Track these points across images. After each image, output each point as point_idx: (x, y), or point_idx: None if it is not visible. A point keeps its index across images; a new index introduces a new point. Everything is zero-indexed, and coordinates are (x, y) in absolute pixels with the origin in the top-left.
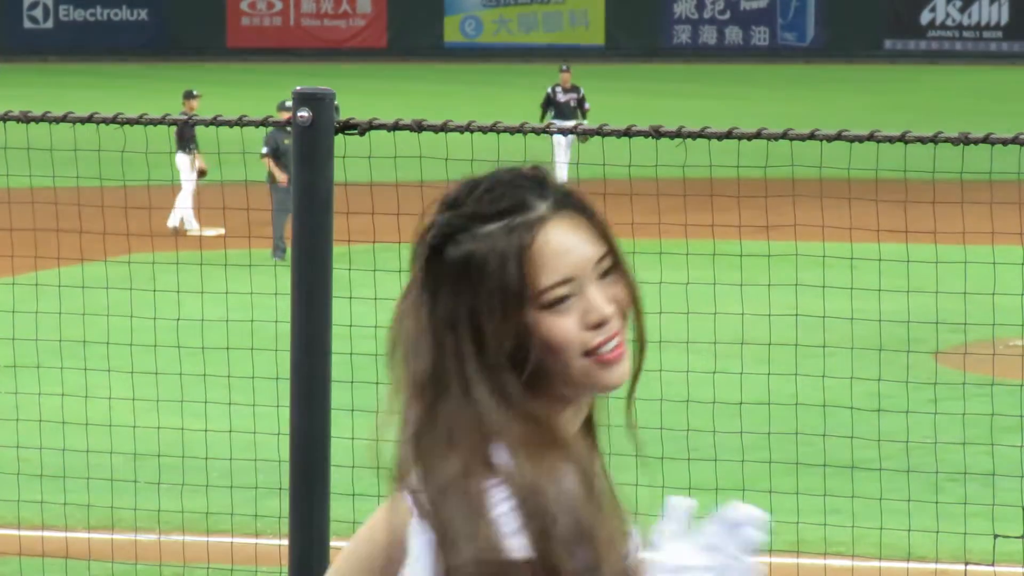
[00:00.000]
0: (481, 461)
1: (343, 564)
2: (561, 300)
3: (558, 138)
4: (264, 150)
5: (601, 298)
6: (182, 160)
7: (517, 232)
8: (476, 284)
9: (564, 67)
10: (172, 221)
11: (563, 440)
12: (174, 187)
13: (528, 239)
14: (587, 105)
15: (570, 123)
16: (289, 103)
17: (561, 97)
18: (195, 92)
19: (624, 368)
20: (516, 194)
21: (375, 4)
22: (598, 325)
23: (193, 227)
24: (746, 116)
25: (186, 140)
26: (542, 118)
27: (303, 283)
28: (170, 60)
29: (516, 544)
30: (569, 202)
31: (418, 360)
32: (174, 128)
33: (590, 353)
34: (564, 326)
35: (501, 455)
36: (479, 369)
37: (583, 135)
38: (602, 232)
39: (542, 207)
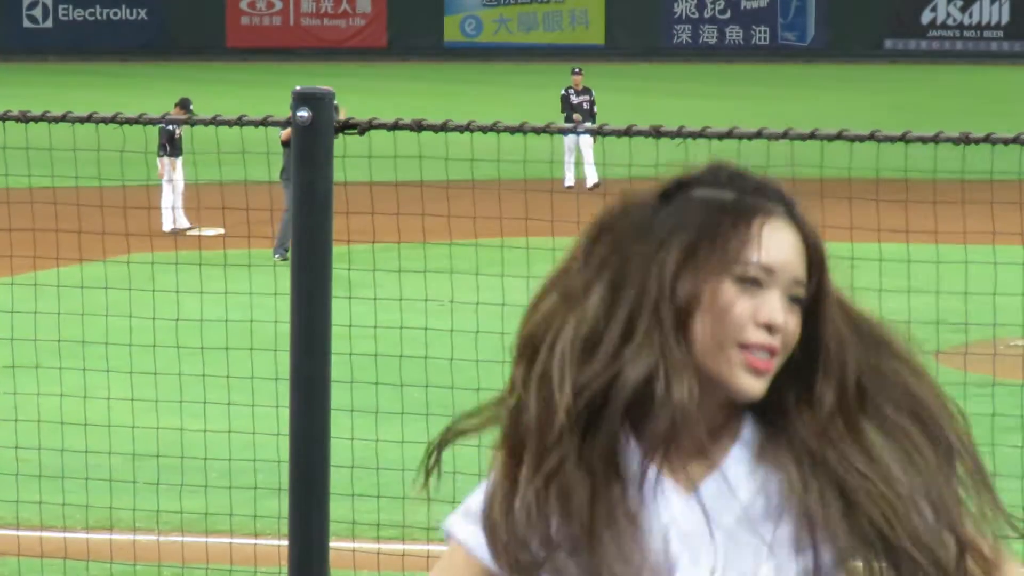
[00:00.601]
0: None
1: None
2: (752, 282)
3: (572, 139)
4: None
5: (781, 308)
6: (168, 163)
7: (750, 207)
8: (698, 226)
9: (576, 70)
10: (166, 225)
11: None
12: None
13: (758, 215)
14: (595, 108)
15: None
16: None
17: (575, 99)
18: (190, 103)
19: (763, 385)
20: (760, 183)
21: (375, 4)
22: (767, 327)
23: (184, 225)
24: (746, 116)
25: (176, 144)
26: (566, 121)
27: (303, 283)
28: (170, 60)
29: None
30: (800, 221)
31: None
32: (161, 129)
33: (745, 347)
34: (741, 304)
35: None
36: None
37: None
38: (815, 264)
39: (779, 205)
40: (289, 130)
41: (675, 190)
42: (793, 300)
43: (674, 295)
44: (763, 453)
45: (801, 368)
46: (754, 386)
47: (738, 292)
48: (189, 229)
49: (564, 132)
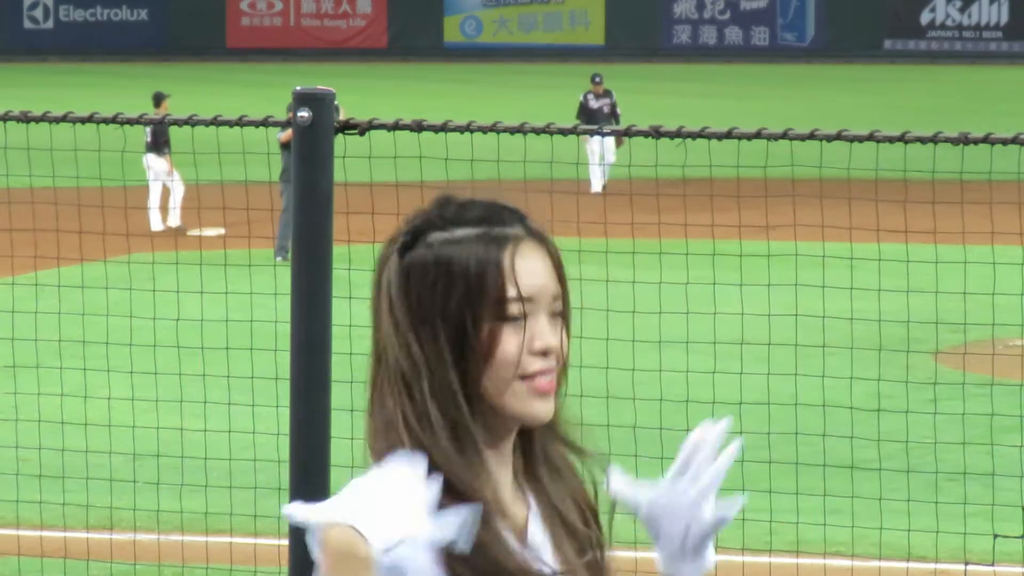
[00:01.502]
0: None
1: None
2: (515, 318)
3: (596, 145)
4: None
5: (550, 331)
6: (157, 161)
7: (494, 241)
8: (445, 281)
9: (596, 78)
10: (172, 221)
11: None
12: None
13: (505, 247)
14: (619, 111)
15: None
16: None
17: (594, 104)
18: (165, 93)
19: (551, 405)
20: (492, 210)
21: (375, 4)
22: (542, 353)
23: (159, 227)
24: (746, 116)
25: (161, 142)
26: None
27: (303, 283)
28: (170, 60)
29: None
30: (540, 235)
31: (387, 354)
32: (146, 129)
33: (526, 378)
34: (511, 342)
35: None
36: (432, 369)
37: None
38: (561, 277)
39: (518, 228)
40: (289, 132)
41: (412, 241)
42: (554, 318)
43: (454, 354)
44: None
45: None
46: (545, 409)
47: (506, 331)
48: (159, 228)
49: (564, 133)
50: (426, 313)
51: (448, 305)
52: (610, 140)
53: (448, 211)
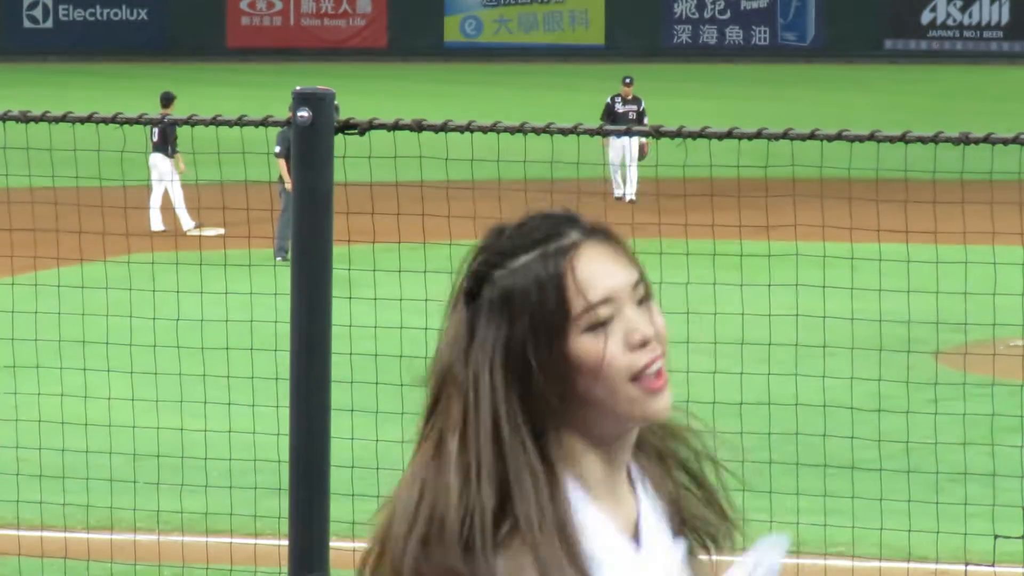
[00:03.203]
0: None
1: None
2: (602, 323)
3: (618, 152)
4: (277, 149)
5: (642, 320)
6: (163, 161)
7: (553, 258)
8: (515, 317)
9: (627, 80)
10: (185, 224)
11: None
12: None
13: (565, 263)
14: (646, 120)
15: (632, 138)
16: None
17: (620, 108)
18: (173, 95)
19: (668, 398)
20: (546, 225)
21: (375, 4)
22: (642, 344)
23: (159, 227)
24: (746, 116)
25: (168, 142)
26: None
27: (303, 283)
28: (170, 60)
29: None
30: (599, 231)
31: (458, 397)
32: (151, 128)
33: (637, 378)
34: (608, 348)
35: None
36: (509, 412)
37: (642, 154)
38: (633, 260)
39: (574, 234)
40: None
41: (478, 287)
42: (641, 303)
43: (539, 389)
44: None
45: None
46: (664, 404)
47: (597, 339)
48: (196, 227)
49: (564, 133)
50: (509, 351)
51: (529, 335)
52: (633, 149)
53: (502, 244)
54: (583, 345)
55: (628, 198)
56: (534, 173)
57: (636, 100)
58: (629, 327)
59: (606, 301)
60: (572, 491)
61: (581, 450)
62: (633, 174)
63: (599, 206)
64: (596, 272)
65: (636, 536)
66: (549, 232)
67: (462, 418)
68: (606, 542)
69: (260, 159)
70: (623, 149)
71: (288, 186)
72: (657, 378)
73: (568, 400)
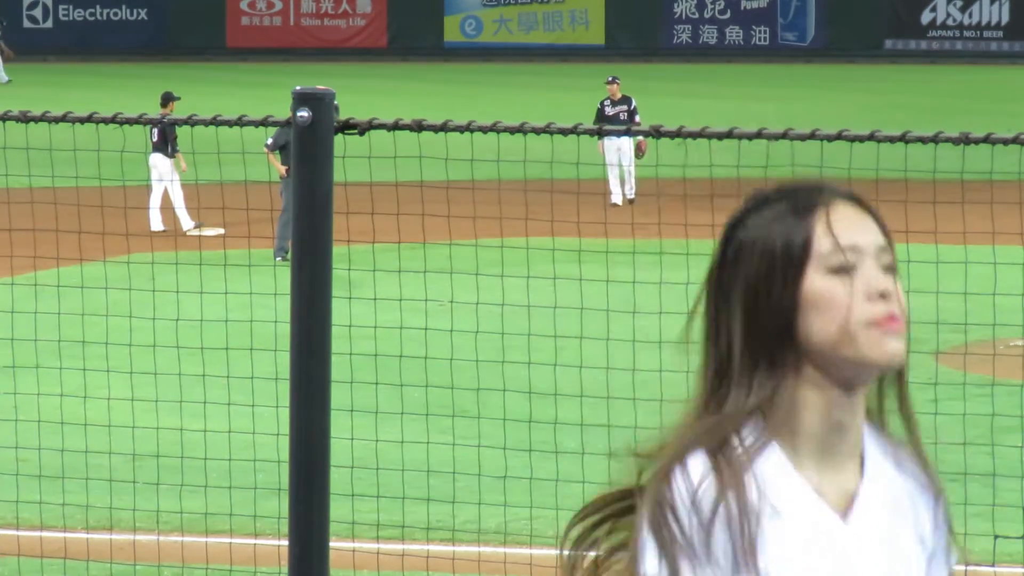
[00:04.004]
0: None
1: None
2: (844, 269)
3: (613, 155)
4: (269, 141)
5: (884, 278)
6: (163, 161)
7: (805, 207)
8: (761, 257)
9: (610, 79)
10: (185, 224)
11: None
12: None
13: (817, 210)
14: (638, 118)
15: (624, 138)
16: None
17: (610, 110)
18: (174, 96)
19: (903, 345)
20: (806, 184)
21: (375, 4)
22: (881, 296)
23: (159, 227)
24: (746, 116)
25: (168, 142)
26: (599, 138)
27: (303, 283)
28: (170, 60)
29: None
30: (854, 197)
31: (704, 339)
32: (150, 128)
33: (871, 324)
34: (848, 291)
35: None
36: (745, 346)
37: (640, 152)
38: (885, 232)
39: (829, 194)
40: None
41: (731, 231)
42: (886, 271)
43: (771, 325)
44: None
45: None
46: (899, 348)
47: (839, 282)
48: (196, 227)
49: (564, 133)
50: (753, 290)
51: (773, 274)
52: (627, 148)
53: (759, 197)
54: (824, 284)
55: (628, 197)
56: (534, 173)
57: (626, 99)
58: (870, 279)
59: (852, 248)
60: (773, 452)
61: (803, 402)
62: (631, 173)
63: (598, 206)
64: (845, 222)
65: (847, 510)
66: (805, 189)
67: (704, 350)
68: (795, 499)
69: (260, 159)
70: (618, 151)
71: (280, 170)
72: (892, 320)
73: (801, 340)
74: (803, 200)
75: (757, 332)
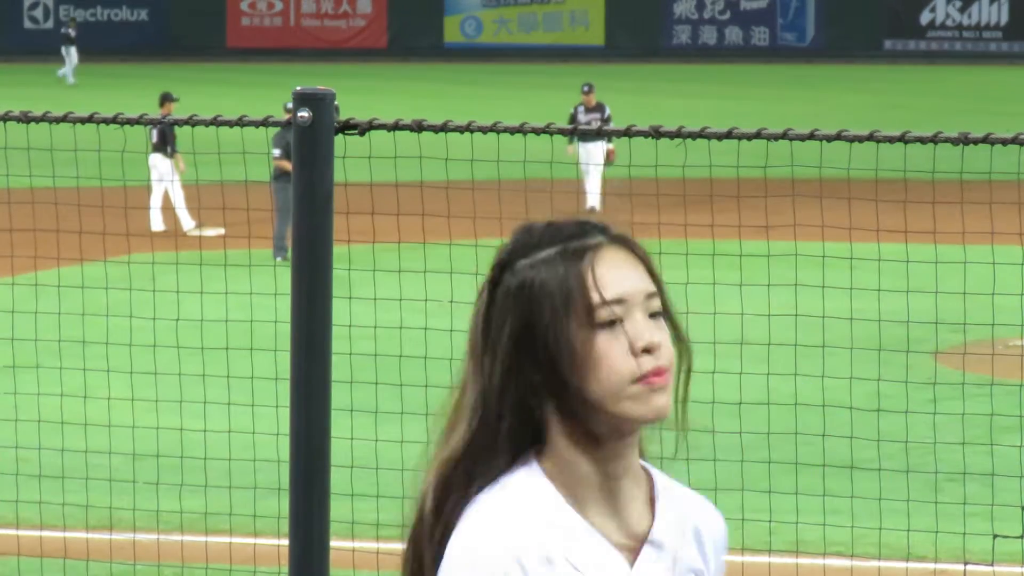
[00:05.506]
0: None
1: None
2: (612, 323)
3: (581, 152)
4: (277, 152)
5: (649, 329)
6: (163, 162)
7: (574, 254)
8: (530, 305)
9: (585, 87)
10: (185, 224)
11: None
12: (171, 187)
13: (585, 258)
14: (611, 126)
15: (593, 145)
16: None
17: (583, 117)
18: (173, 96)
19: (667, 400)
20: (573, 226)
21: (375, 4)
22: (647, 351)
23: (160, 227)
24: (746, 116)
25: (167, 142)
26: (569, 142)
27: (303, 283)
28: (170, 60)
29: None
30: (625, 240)
31: (463, 382)
32: (151, 128)
33: (638, 380)
34: (616, 349)
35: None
36: (508, 394)
37: (609, 161)
38: (654, 277)
39: (598, 237)
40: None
41: (499, 273)
42: (653, 317)
43: (536, 367)
44: None
45: None
46: (663, 402)
47: (604, 337)
48: (196, 227)
49: (564, 133)
50: (519, 337)
51: (540, 323)
52: (597, 153)
53: (528, 237)
54: (589, 340)
55: (589, 206)
56: (534, 173)
57: (599, 107)
58: (635, 332)
59: (618, 301)
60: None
61: (572, 454)
62: (595, 180)
63: (598, 205)
64: (612, 273)
65: (635, 554)
66: (575, 232)
67: (460, 393)
68: (586, 548)
69: (260, 159)
70: (586, 154)
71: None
72: (658, 375)
73: (567, 393)
74: (571, 246)
75: (519, 378)
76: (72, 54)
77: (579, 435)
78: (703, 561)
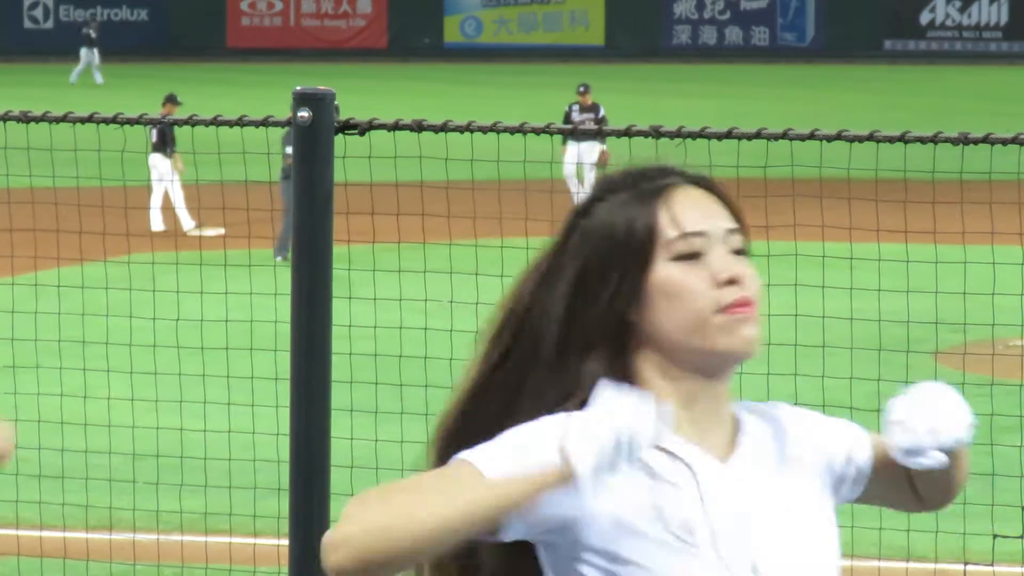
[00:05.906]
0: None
1: None
2: (692, 255)
3: (571, 168)
4: (289, 150)
5: (733, 262)
6: (162, 162)
7: (649, 192)
8: (599, 242)
9: (581, 88)
10: (185, 225)
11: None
12: (171, 187)
13: (660, 194)
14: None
15: (587, 145)
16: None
17: (577, 116)
18: (178, 99)
19: (756, 332)
20: (651, 170)
21: (375, 4)
22: (730, 282)
23: (160, 227)
24: (746, 116)
25: (166, 142)
26: (563, 142)
27: (303, 283)
28: (170, 60)
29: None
30: (700, 180)
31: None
32: (151, 128)
33: (723, 311)
34: (696, 279)
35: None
36: (578, 336)
37: (602, 162)
38: (737, 215)
39: (675, 178)
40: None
41: (590, 205)
42: (737, 253)
43: (609, 315)
44: None
45: None
46: (752, 334)
47: (684, 269)
48: (196, 227)
49: (564, 133)
50: (604, 272)
51: (619, 260)
52: (590, 153)
53: (607, 183)
54: (671, 273)
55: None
56: (534, 173)
57: (594, 107)
58: (719, 266)
59: (697, 234)
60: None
61: (659, 392)
62: (588, 179)
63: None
64: (691, 208)
65: (728, 456)
66: (654, 174)
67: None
68: (679, 450)
69: (260, 159)
70: (578, 155)
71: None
72: (745, 305)
73: (646, 330)
74: (647, 186)
75: (584, 318)
76: (95, 55)
77: (660, 374)
78: (820, 456)
